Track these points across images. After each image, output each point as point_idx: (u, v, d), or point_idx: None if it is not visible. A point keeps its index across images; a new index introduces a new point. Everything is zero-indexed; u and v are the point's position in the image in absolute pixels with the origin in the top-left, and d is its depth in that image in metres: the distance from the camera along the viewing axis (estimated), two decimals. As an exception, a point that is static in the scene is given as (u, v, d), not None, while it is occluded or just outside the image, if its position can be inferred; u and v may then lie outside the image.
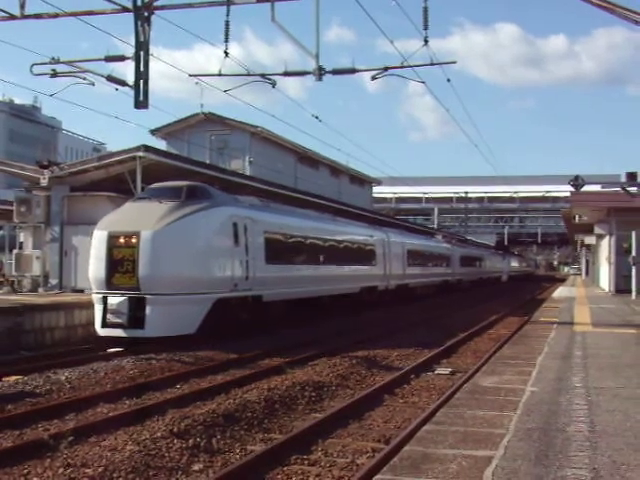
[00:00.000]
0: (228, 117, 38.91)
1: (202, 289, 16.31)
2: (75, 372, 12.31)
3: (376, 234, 31.03)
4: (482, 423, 7.13)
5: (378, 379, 12.77)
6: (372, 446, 8.18)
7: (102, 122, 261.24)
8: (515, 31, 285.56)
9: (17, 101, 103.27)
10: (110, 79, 16.31)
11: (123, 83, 16.15)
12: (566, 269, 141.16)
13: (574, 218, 40.10)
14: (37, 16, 15.43)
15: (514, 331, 19.17)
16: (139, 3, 14.27)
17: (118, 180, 21.65)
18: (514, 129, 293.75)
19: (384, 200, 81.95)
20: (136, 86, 14.43)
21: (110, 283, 15.61)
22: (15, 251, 23.62)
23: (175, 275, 15.82)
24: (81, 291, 20.70)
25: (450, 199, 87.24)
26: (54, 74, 16.71)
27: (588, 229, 41.52)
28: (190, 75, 18.11)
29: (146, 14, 14.31)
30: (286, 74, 16.86)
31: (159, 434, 8.14)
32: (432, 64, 15.99)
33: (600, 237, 41.62)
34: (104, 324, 15.64)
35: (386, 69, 16.57)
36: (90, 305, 16.38)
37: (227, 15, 15.29)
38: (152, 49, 14.64)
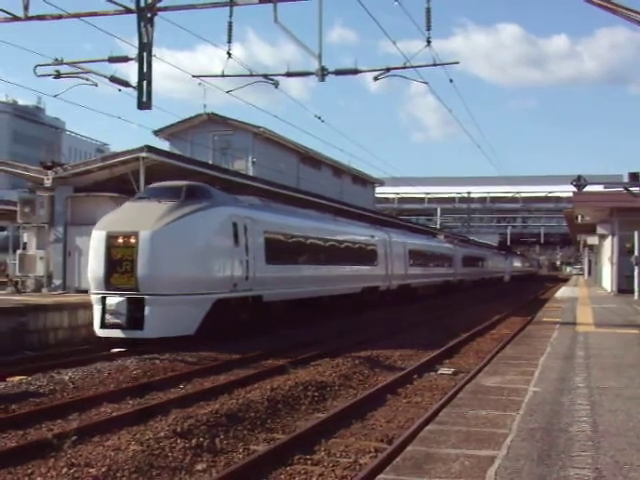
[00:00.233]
0: (231, 117, 38.90)
1: (201, 289, 16.27)
2: (79, 372, 12.33)
3: (378, 234, 31.01)
4: (485, 423, 7.14)
5: (381, 379, 12.78)
6: (375, 446, 8.19)
7: (105, 123, 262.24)
8: (517, 31, 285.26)
9: (21, 102, 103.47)
10: (113, 80, 16.36)
11: (126, 84, 16.20)
12: (569, 269, 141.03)
13: (576, 218, 40.09)
14: (40, 17, 15.45)
15: (516, 331, 19.16)
16: (142, 4, 14.28)
17: (121, 181, 21.68)
18: (516, 129, 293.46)
19: (387, 200, 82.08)
20: (139, 87, 14.44)
21: (109, 283, 15.56)
22: (19, 251, 23.62)
23: (174, 275, 15.77)
24: (85, 291, 20.65)
25: (453, 199, 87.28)
26: (58, 75, 16.76)
27: (590, 229, 41.49)
28: (193, 76, 18.19)
29: (149, 15, 14.32)
30: (288, 75, 16.89)
31: (162, 434, 8.16)
32: (435, 65, 16.03)
33: (602, 237, 41.58)
34: (103, 325, 15.56)
35: (388, 70, 16.61)
36: (93, 305, 16.39)
37: (230, 16, 15.37)
38: (155, 50, 14.67)
